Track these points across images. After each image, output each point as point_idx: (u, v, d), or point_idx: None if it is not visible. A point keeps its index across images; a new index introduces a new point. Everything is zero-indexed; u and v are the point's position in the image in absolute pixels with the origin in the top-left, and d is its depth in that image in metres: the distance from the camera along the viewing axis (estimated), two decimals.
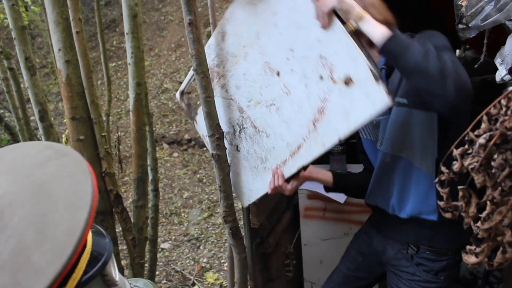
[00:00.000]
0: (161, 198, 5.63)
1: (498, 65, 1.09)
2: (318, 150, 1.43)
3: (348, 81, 1.26)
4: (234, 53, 1.62)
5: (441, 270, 1.61)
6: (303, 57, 1.37)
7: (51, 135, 2.67)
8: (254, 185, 1.77)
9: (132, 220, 2.52)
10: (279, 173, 1.62)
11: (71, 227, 0.57)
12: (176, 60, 9.31)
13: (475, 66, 1.20)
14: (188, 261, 4.54)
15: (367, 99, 1.22)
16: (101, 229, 0.73)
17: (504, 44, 1.08)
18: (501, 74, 1.07)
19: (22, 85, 3.61)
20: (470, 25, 1.10)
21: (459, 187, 0.89)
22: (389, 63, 1.46)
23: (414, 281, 1.65)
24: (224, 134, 1.75)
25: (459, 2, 1.14)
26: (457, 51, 4.70)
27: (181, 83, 8.71)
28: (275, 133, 1.59)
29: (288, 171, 1.59)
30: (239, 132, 1.73)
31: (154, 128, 4.13)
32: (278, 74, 1.48)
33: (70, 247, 0.56)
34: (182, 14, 1.44)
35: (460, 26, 1.13)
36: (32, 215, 0.58)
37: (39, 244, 0.56)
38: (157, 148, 5.55)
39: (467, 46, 4.06)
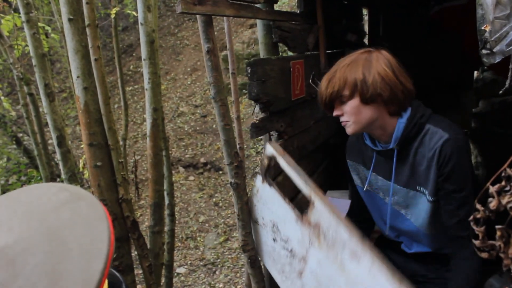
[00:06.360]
0: (177, 222, 5.60)
1: None
2: None
3: None
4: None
5: None
6: None
7: (68, 160, 2.68)
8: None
9: (148, 246, 2.50)
10: None
11: (86, 278, 0.55)
12: (192, 83, 9.41)
13: (500, 92, 1.17)
14: (204, 286, 4.48)
15: None
16: (117, 274, 0.70)
17: None
18: None
19: (41, 109, 3.67)
20: (494, 50, 1.06)
21: (497, 226, 0.85)
22: (401, 143, 1.42)
23: None
24: (273, 222, 1.59)
25: (482, 27, 1.11)
26: (475, 72, 4.66)
27: (196, 106, 8.80)
28: None
29: None
30: (288, 257, 1.53)
31: (170, 152, 4.13)
32: None
33: None
34: (198, 38, 1.43)
35: (484, 51, 1.10)
36: (45, 264, 0.55)
37: None
38: (173, 172, 5.56)
39: (485, 67, 4.02)
